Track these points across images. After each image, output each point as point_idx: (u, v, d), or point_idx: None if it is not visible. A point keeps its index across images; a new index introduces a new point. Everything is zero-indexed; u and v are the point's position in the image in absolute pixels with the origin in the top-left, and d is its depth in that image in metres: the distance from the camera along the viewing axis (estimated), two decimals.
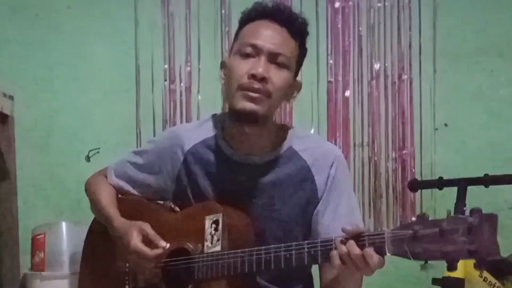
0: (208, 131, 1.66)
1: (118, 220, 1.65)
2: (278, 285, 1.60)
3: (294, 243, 1.41)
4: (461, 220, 1.17)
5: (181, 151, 1.65)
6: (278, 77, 1.51)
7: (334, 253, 1.33)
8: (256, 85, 1.49)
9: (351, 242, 1.31)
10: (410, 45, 2.77)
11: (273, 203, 1.58)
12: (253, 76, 1.49)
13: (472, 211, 1.17)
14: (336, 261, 1.32)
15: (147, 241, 1.55)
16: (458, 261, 1.21)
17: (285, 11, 1.57)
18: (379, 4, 2.77)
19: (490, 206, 2.41)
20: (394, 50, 2.77)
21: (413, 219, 1.70)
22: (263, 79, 1.49)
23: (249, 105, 1.49)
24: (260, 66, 1.49)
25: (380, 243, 1.28)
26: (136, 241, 1.54)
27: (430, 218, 1.23)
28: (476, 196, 2.04)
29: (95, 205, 1.76)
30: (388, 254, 1.27)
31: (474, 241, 1.15)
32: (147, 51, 2.71)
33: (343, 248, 1.31)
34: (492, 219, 1.16)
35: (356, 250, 1.30)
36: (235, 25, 1.62)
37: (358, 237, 1.31)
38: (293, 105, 2.71)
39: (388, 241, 1.26)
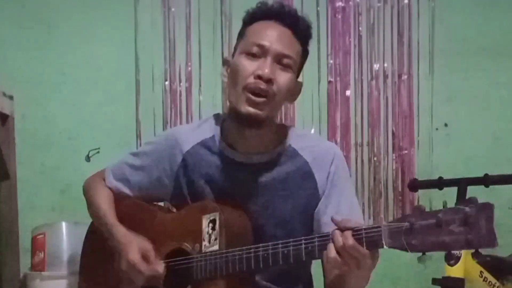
0: (207, 132, 1.66)
1: (119, 230, 1.65)
2: (277, 285, 1.60)
3: (291, 239, 1.41)
4: (457, 211, 1.18)
5: (179, 152, 1.65)
6: (283, 78, 1.52)
7: (330, 245, 1.33)
8: (262, 85, 1.49)
9: (347, 233, 1.31)
10: (410, 45, 2.77)
11: (273, 202, 1.58)
12: (259, 77, 1.49)
13: (468, 201, 1.17)
14: (331, 253, 1.32)
15: (145, 259, 1.57)
16: (452, 263, 1.21)
17: (290, 13, 1.58)
18: (379, 4, 2.77)
19: None
20: (394, 50, 2.77)
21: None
22: (269, 81, 1.49)
23: (253, 111, 1.50)
24: (266, 67, 1.50)
25: (377, 236, 1.27)
26: (135, 253, 1.56)
27: (427, 210, 1.23)
28: (476, 196, 2.04)
29: (93, 209, 1.76)
30: (385, 247, 1.27)
31: (470, 231, 1.15)
32: (147, 51, 2.71)
33: (339, 240, 1.31)
34: (488, 208, 1.16)
35: (350, 241, 1.29)
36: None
37: (352, 230, 1.31)
38: (295, 105, 2.71)
39: (384, 234, 1.26)
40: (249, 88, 1.50)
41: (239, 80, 1.52)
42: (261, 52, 1.52)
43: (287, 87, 1.53)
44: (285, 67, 1.53)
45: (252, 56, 1.53)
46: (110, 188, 1.77)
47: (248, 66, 1.52)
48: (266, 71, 1.49)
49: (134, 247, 1.57)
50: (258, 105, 1.50)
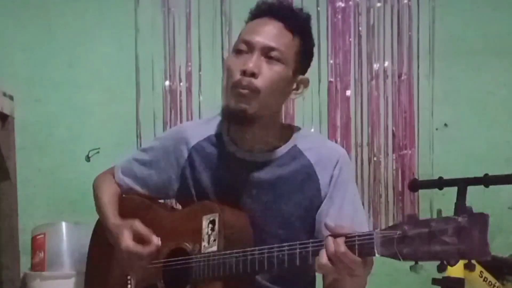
0: (213, 128, 1.66)
1: (112, 221, 1.66)
2: (278, 285, 1.60)
3: (286, 243, 1.40)
4: (450, 220, 1.16)
5: (186, 148, 1.66)
6: (269, 71, 1.50)
7: (322, 251, 1.32)
8: (245, 81, 1.48)
9: (340, 240, 1.29)
10: (410, 45, 2.77)
11: (275, 201, 1.58)
12: (244, 72, 1.48)
13: (462, 211, 1.16)
14: (323, 259, 1.31)
15: (139, 238, 1.56)
16: (452, 262, 1.19)
17: (282, 7, 1.57)
18: (379, 4, 2.77)
19: (490, 206, 2.41)
20: (394, 50, 2.77)
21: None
22: (252, 75, 1.48)
23: (239, 105, 1.49)
24: (251, 61, 1.49)
25: (369, 244, 1.26)
26: (127, 241, 1.56)
27: (420, 218, 1.22)
28: (476, 196, 2.04)
29: (96, 203, 1.77)
30: (377, 255, 1.25)
31: (463, 242, 1.14)
32: (147, 51, 2.70)
33: (331, 246, 1.30)
34: (482, 219, 1.14)
35: (342, 248, 1.28)
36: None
37: (345, 237, 1.29)
38: (295, 105, 2.71)
39: (377, 242, 1.24)
40: (235, 85, 1.49)
41: (228, 78, 1.52)
42: (248, 48, 1.51)
43: (274, 80, 1.50)
44: (273, 60, 1.51)
45: (240, 52, 1.52)
46: (118, 184, 1.77)
47: (236, 63, 1.51)
48: (250, 65, 1.48)
49: (124, 234, 1.57)
50: (243, 97, 1.48)
